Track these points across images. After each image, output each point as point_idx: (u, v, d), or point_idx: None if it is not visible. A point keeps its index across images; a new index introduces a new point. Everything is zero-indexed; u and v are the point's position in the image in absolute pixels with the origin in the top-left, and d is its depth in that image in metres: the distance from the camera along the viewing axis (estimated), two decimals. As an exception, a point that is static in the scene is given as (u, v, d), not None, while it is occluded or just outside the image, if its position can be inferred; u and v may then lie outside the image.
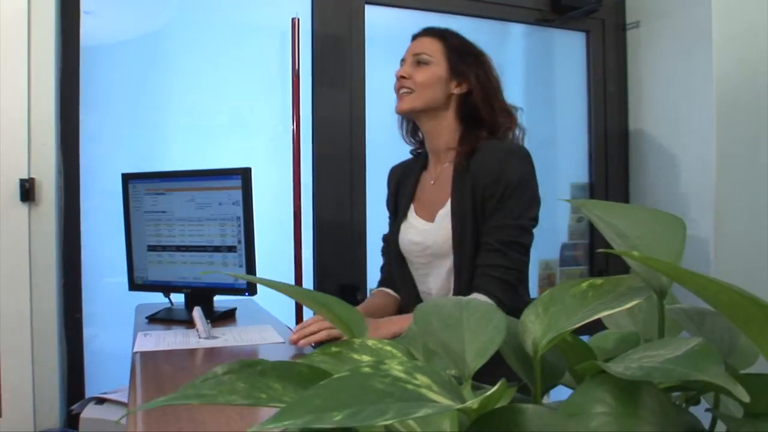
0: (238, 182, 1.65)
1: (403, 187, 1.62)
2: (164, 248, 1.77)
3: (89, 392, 2.00)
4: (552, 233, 2.69)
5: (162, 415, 0.91)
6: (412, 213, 1.57)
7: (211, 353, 1.38)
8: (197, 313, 1.51)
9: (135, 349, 1.38)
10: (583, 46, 2.74)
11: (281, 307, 1.97)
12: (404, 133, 1.66)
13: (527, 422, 0.23)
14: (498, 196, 1.37)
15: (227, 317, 1.73)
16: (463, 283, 1.42)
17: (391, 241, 1.61)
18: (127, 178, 1.81)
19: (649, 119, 2.67)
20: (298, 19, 2.12)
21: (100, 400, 1.74)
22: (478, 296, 1.36)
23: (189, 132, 2.27)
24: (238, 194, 1.65)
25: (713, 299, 0.29)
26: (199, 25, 2.28)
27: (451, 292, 1.47)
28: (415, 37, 1.57)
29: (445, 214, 1.46)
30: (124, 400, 1.59)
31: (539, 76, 2.72)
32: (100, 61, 2.10)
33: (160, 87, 2.22)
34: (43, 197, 1.78)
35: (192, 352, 1.38)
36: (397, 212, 1.63)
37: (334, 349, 0.31)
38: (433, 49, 1.50)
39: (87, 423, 1.64)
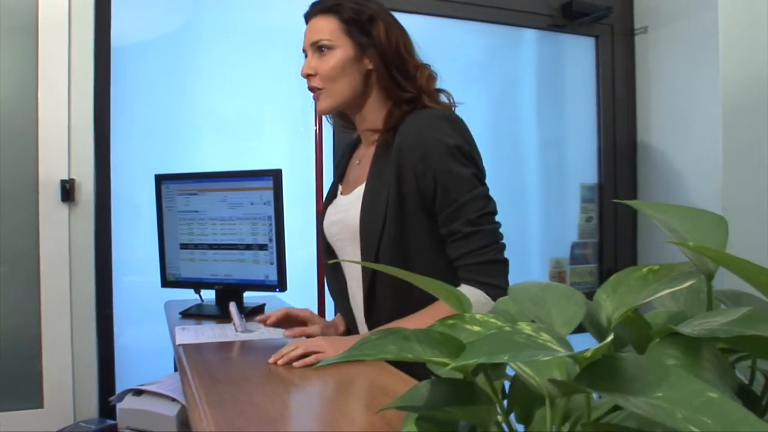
0: (269, 183, 1.72)
1: (339, 167, 1.51)
2: (196, 246, 1.85)
3: (119, 385, 2.08)
4: (562, 232, 2.78)
5: (220, 402, 0.99)
6: (338, 194, 1.44)
7: (250, 346, 1.45)
8: (233, 308, 1.58)
9: (177, 342, 1.45)
10: (592, 50, 2.82)
11: (304, 303, 2.05)
12: (332, 123, 1.55)
13: (627, 367, 0.30)
14: (434, 170, 1.19)
15: (257, 312, 1.81)
16: (366, 281, 1.28)
17: (317, 226, 1.46)
18: (160, 179, 1.89)
19: (656, 122, 2.75)
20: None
21: (138, 392, 1.80)
22: (464, 288, 1.19)
23: (210, 133, 2.35)
24: (269, 195, 1.73)
25: (755, 280, 0.37)
26: (220, 28, 2.34)
27: (361, 281, 1.30)
28: (307, 19, 1.37)
29: (361, 192, 1.31)
30: (162, 391, 1.64)
31: (550, 79, 2.81)
32: (123, 62, 2.18)
33: (182, 88, 2.29)
34: (82, 197, 1.86)
35: (231, 344, 1.45)
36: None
37: (450, 321, 0.39)
38: (329, 29, 1.30)
39: (125, 413, 1.69)
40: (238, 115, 2.38)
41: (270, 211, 1.73)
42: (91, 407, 1.85)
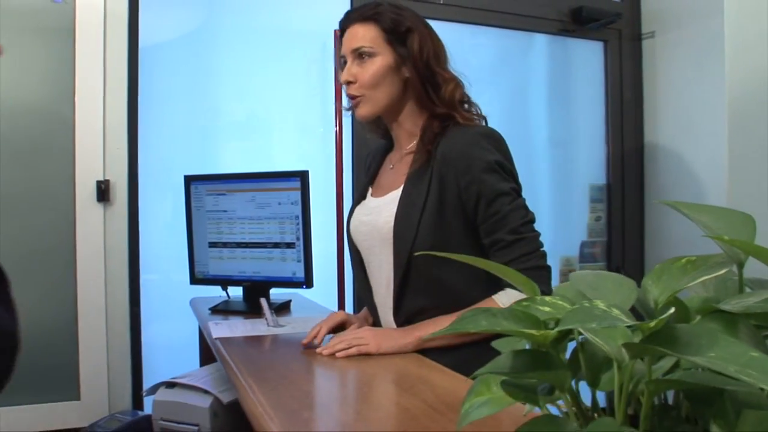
0: (297, 184, 1.80)
1: (370, 171, 1.53)
2: (225, 245, 1.93)
3: (145, 379, 2.15)
4: (572, 231, 2.85)
5: (271, 389, 1.06)
6: (368, 195, 1.48)
7: (283, 339, 1.51)
8: (265, 303, 1.65)
9: (214, 336, 1.52)
10: (601, 54, 2.90)
11: (326, 299, 2.13)
12: (365, 130, 1.57)
13: (682, 334, 0.38)
14: (478, 184, 1.25)
15: (284, 308, 1.88)
16: (398, 281, 1.32)
17: (346, 226, 1.51)
18: (189, 180, 1.96)
19: (663, 124, 2.82)
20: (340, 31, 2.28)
21: (171, 384, 1.85)
22: (510, 292, 1.25)
23: (229, 133, 2.42)
24: (296, 195, 1.80)
25: (780, 268, 0.44)
26: (238, 30, 2.41)
27: (391, 284, 1.36)
28: (344, 27, 1.39)
29: (396, 196, 1.35)
30: (194, 383, 1.69)
31: (560, 82, 2.88)
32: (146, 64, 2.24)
33: (201, 89, 2.36)
34: (117, 197, 1.94)
35: (264, 338, 1.52)
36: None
37: (524, 303, 0.47)
38: (370, 36, 1.33)
39: (159, 405, 1.72)
40: (257, 116, 2.45)
41: (297, 210, 1.81)
42: (124, 399, 1.92)
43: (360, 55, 1.34)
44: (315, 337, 1.32)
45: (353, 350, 1.21)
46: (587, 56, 2.90)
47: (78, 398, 1.89)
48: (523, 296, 1.27)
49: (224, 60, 2.39)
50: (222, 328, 1.60)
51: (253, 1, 2.44)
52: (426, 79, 1.34)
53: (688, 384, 0.39)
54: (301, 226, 1.81)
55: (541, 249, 1.28)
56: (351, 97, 1.38)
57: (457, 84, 1.36)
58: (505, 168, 1.28)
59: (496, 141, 1.30)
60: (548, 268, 1.27)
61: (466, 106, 1.37)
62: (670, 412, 0.42)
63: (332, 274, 2.28)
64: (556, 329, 0.38)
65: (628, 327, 0.38)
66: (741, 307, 0.42)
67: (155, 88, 2.25)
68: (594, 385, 0.44)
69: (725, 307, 0.43)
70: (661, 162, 2.83)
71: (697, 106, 2.60)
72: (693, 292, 0.58)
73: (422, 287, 1.31)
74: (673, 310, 0.39)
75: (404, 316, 1.34)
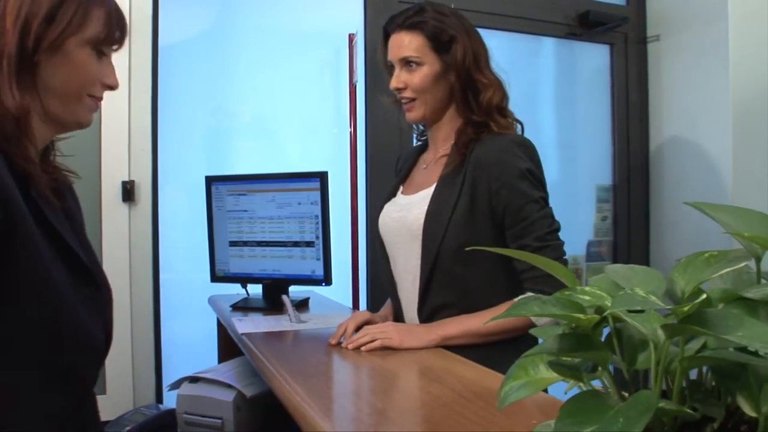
0: (316, 184, 1.86)
1: (402, 171, 1.60)
2: (245, 243, 1.99)
3: (166, 374, 2.21)
4: (579, 231, 2.91)
5: (305, 379, 1.11)
6: (399, 192, 1.55)
7: (307, 334, 1.56)
8: (287, 300, 1.70)
9: (240, 331, 1.57)
10: (607, 57, 2.96)
11: (340, 297, 2.18)
12: (409, 128, 1.65)
13: (712, 317, 0.43)
14: (508, 190, 1.31)
15: (303, 305, 1.94)
16: (425, 276, 1.38)
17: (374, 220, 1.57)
18: (210, 181, 2.02)
19: (668, 126, 2.87)
20: (355, 35, 2.34)
21: (194, 379, 1.89)
22: (530, 294, 1.25)
23: (244, 133, 2.47)
24: (316, 195, 1.86)
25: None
26: (252, 30, 2.46)
27: (417, 279, 1.41)
28: (389, 33, 1.45)
29: (427, 194, 1.41)
30: (218, 378, 1.73)
31: (568, 84, 2.95)
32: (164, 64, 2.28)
33: (218, 89, 2.41)
34: (141, 197, 2.00)
35: (288, 333, 1.57)
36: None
37: (566, 292, 0.53)
38: (415, 46, 1.39)
39: (184, 399, 1.74)
40: (270, 117, 2.50)
41: (317, 210, 1.86)
42: (148, 394, 1.98)
43: (407, 62, 1.40)
44: (343, 335, 1.38)
45: (377, 343, 1.27)
46: (594, 59, 2.95)
47: (104, 392, 1.95)
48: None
49: (238, 61, 2.44)
50: (246, 324, 1.65)
51: (266, 3, 2.49)
52: (467, 86, 1.39)
53: (718, 360, 0.44)
54: (320, 225, 1.87)
55: (564, 257, 1.35)
56: (402, 101, 1.45)
57: (497, 88, 1.41)
58: (535, 176, 1.34)
59: (528, 149, 1.36)
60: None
61: (502, 112, 1.42)
62: (699, 387, 0.48)
63: (346, 272, 2.34)
64: (608, 311, 0.44)
65: (665, 311, 0.44)
66: (761, 294, 0.48)
67: (170, 89, 2.29)
68: (631, 364, 0.50)
69: (747, 295, 0.49)
70: (666, 163, 2.89)
71: (701, 108, 2.65)
72: (712, 285, 0.64)
73: (447, 284, 1.38)
74: (704, 296, 0.45)
75: (428, 311, 1.41)
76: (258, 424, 1.61)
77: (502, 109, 1.43)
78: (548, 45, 2.91)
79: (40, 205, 0.90)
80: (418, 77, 1.39)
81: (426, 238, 1.37)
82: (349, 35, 2.34)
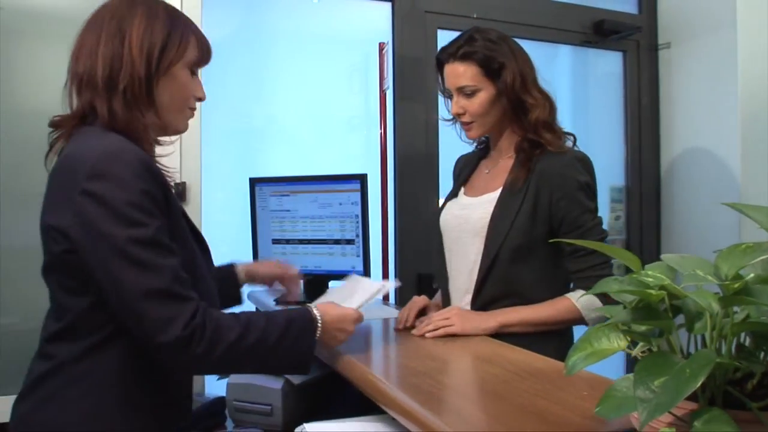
0: (357, 185, 1.99)
1: (462, 174, 1.76)
2: (288, 241, 2.12)
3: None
4: (593, 230, 3.04)
5: (371, 363, 1.24)
6: (461, 193, 1.70)
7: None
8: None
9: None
10: (620, 64, 3.09)
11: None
12: (476, 144, 1.78)
13: (757, 291, 0.57)
14: (568, 200, 1.46)
15: (342, 298, 2.06)
16: (483, 269, 1.52)
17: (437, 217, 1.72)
18: (254, 182, 2.15)
19: (679, 130, 2.99)
20: (386, 44, 2.47)
21: None
22: (579, 291, 1.48)
23: (277, 136, 2.60)
24: (356, 196, 1.99)
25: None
26: (283, 34, 2.58)
27: (474, 272, 1.55)
28: (442, 63, 1.59)
29: (492, 198, 1.55)
30: None
31: (582, 90, 3.09)
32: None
33: (254, 93, 2.53)
34: (192, 199, 2.11)
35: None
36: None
37: (633, 276, 0.66)
38: (470, 75, 1.53)
39: (234, 387, 1.74)
40: (302, 119, 2.61)
41: (357, 210, 1.99)
42: (197, 382, 2.10)
43: (464, 91, 1.55)
44: (406, 320, 1.52)
45: (440, 331, 1.41)
46: (608, 66, 3.09)
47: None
48: (591, 297, 1.45)
49: (270, 66, 2.56)
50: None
51: (299, 8, 2.61)
52: (516, 106, 1.54)
53: (761, 325, 0.58)
54: (360, 224, 2.00)
55: (610, 259, 1.49)
56: (463, 124, 1.61)
57: (543, 106, 1.55)
58: (591, 189, 1.52)
59: (587, 165, 1.53)
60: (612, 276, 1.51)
61: (550, 127, 1.55)
62: (743, 348, 0.61)
63: (377, 267, 2.45)
64: (681, 284, 0.58)
65: (718, 286, 0.58)
66: (793, 276, 0.62)
67: (207, 92, 2.40)
68: (690, 330, 0.63)
69: (782, 277, 0.62)
70: (677, 165, 3.00)
71: (710, 112, 2.76)
72: (748, 270, 0.78)
73: (502, 278, 1.52)
74: (752, 275, 0.59)
75: (481, 303, 1.55)
76: (303, 410, 1.68)
77: (550, 125, 1.56)
78: (565, 52, 3.05)
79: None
80: (476, 104, 1.54)
81: (489, 236, 1.52)
82: (380, 44, 2.47)
